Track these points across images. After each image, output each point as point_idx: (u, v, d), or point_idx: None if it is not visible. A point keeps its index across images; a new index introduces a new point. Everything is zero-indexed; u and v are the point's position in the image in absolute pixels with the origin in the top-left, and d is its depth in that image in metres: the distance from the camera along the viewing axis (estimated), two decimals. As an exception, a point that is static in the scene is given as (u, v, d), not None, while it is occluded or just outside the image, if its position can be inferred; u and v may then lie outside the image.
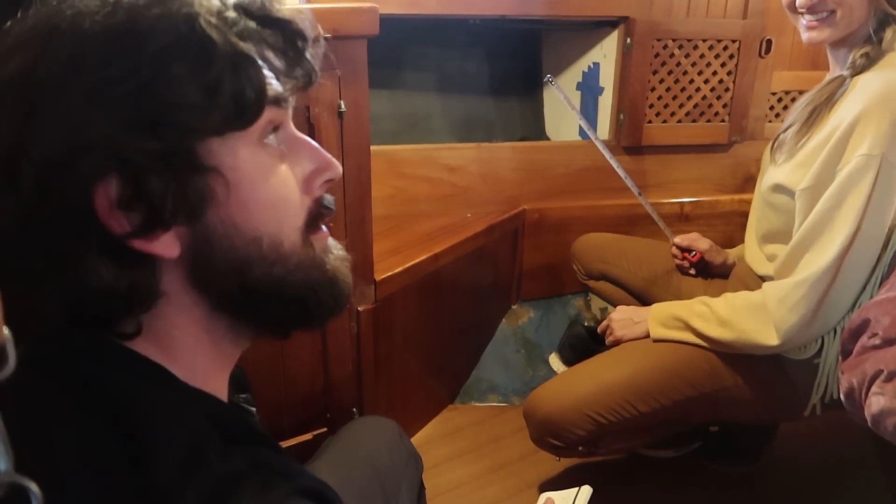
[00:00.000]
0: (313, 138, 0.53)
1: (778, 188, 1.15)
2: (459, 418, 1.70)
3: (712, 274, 1.43)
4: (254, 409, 1.02)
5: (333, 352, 1.25)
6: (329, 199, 0.53)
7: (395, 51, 1.86)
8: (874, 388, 0.85)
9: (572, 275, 1.66)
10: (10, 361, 0.26)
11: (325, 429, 1.28)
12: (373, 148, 1.19)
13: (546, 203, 1.82)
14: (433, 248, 1.49)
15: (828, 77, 1.16)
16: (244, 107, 0.44)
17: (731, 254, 1.44)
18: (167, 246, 0.44)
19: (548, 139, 2.07)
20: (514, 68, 2.08)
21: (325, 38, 0.52)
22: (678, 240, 1.43)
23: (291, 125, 0.51)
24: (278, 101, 0.47)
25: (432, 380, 1.68)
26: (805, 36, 1.12)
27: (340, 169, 0.53)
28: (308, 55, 0.50)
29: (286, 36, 0.48)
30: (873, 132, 1.01)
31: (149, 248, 0.44)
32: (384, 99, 1.88)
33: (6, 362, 0.26)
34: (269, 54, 0.47)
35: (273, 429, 1.23)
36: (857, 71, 1.08)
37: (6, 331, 0.26)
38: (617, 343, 1.29)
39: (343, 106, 1.11)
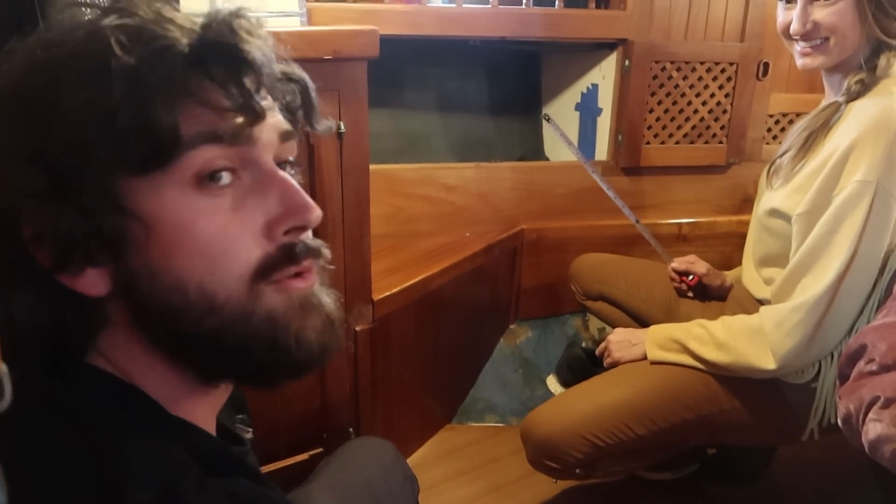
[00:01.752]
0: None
1: (774, 213, 1.16)
2: (456, 438, 1.69)
3: (710, 296, 1.44)
4: (250, 429, 1.02)
5: (330, 371, 1.25)
6: (302, 246, 0.46)
7: (395, 70, 1.88)
8: (871, 415, 0.85)
9: (570, 295, 1.66)
10: (7, 395, 0.26)
11: (321, 449, 1.27)
12: (372, 167, 1.19)
13: (544, 223, 1.82)
14: (431, 267, 1.49)
15: (823, 103, 1.17)
16: (152, 144, 0.41)
17: (729, 276, 1.45)
18: (91, 284, 0.43)
19: (547, 159, 2.08)
20: (513, 89, 2.10)
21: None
22: (676, 264, 1.44)
23: (268, 161, 0.46)
24: (218, 139, 0.43)
25: (429, 399, 1.67)
26: (799, 62, 1.13)
27: (317, 213, 0.47)
28: (252, 87, 0.44)
29: (228, 66, 0.43)
30: (868, 158, 1.01)
31: (72, 284, 0.43)
32: (384, 118, 1.89)
33: (3, 396, 0.26)
34: (207, 85, 0.43)
35: (269, 449, 1.22)
36: (852, 97, 1.09)
37: (3, 366, 0.26)
38: (615, 365, 1.28)
39: (343, 127, 1.11)
